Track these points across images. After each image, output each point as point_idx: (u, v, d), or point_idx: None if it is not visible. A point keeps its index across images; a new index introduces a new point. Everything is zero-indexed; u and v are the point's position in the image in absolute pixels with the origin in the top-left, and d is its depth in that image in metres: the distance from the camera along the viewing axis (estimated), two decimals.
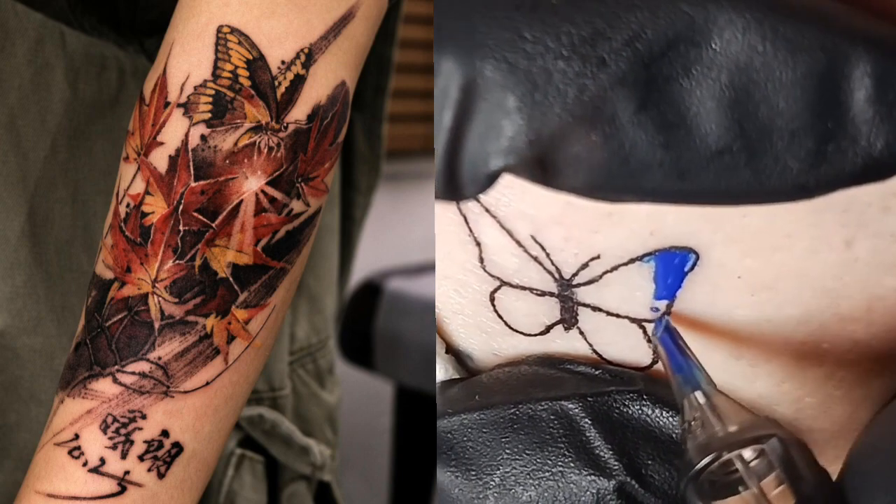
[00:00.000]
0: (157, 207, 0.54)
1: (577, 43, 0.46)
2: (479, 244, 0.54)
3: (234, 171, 0.53)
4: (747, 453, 0.47)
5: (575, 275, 0.54)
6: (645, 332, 0.55)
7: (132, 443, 0.53)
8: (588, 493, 0.54)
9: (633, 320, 0.55)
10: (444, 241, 0.55)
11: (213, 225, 0.53)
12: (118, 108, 0.66)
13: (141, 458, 0.54)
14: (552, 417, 0.54)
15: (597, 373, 0.56)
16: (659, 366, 0.56)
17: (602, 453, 0.53)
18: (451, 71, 0.47)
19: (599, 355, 0.56)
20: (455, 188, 0.49)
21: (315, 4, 0.54)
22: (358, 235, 0.91)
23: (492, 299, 0.57)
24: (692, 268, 0.52)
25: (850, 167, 0.47)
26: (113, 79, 0.66)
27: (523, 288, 0.55)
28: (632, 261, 0.52)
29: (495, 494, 0.55)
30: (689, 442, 0.48)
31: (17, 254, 0.63)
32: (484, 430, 0.55)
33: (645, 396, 0.54)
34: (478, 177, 0.48)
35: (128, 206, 0.55)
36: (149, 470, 0.54)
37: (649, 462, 0.53)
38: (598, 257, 0.53)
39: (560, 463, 0.54)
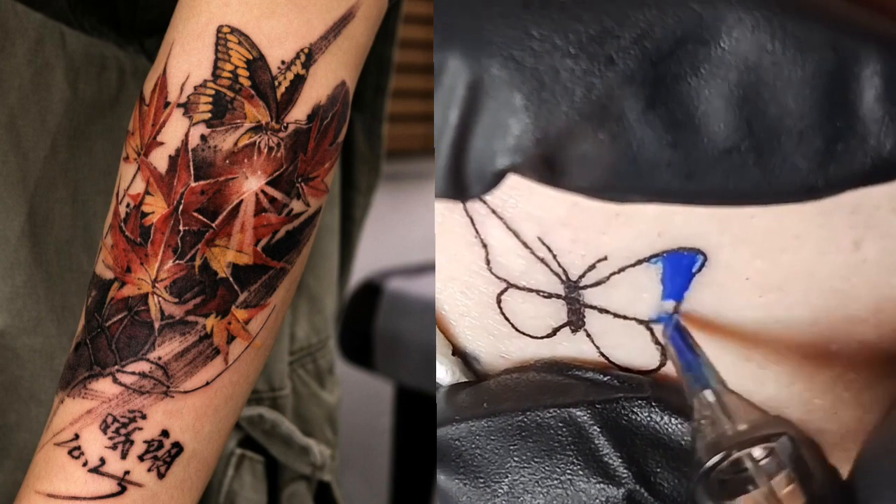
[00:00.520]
0: (157, 207, 0.53)
1: (585, 41, 0.46)
2: (485, 246, 0.54)
3: (234, 171, 0.53)
4: (757, 452, 0.47)
5: (582, 276, 0.53)
6: (652, 333, 0.54)
7: (132, 443, 0.53)
8: (597, 501, 0.53)
9: (640, 322, 0.54)
10: (451, 243, 0.55)
11: (213, 225, 0.53)
12: (118, 108, 0.66)
13: (141, 458, 0.53)
14: (560, 425, 0.54)
15: (605, 379, 0.55)
16: (667, 368, 0.55)
17: (611, 461, 0.53)
18: (458, 69, 0.46)
19: (607, 358, 0.56)
20: (460, 187, 0.48)
21: (315, 4, 0.54)
22: (358, 235, 0.91)
23: (498, 301, 0.56)
24: (700, 269, 0.52)
25: (860, 167, 0.46)
26: (113, 79, 0.66)
27: (530, 290, 0.55)
28: (639, 262, 0.52)
29: (504, 502, 0.54)
30: (698, 441, 0.47)
31: (17, 254, 0.62)
32: (492, 437, 0.55)
33: (654, 403, 0.53)
34: (484, 176, 0.47)
35: (128, 206, 0.54)
36: (149, 470, 0.54)
37: (658, 470, 0.53)
38: (605, 259, 0.52)
39: (569, 471, 0.54)
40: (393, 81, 0.87)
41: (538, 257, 0.53)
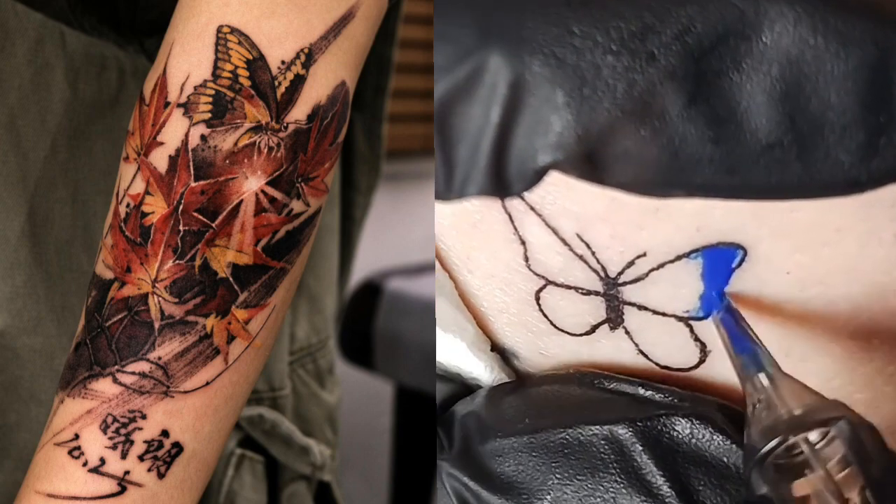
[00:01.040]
0: (156, 207, 0.53)
1: (627, 37, 0.46)
2: (524, 243, 0.54)
3: (234, 171, 0.53)
4: (813, 436, 0.46)
5: (620, 273, 0.53)
6: (692, 330, 0.54)
7: (132, 443, 0.53)
8: None
9: (679, 319, 0.54)
10: (490, 240, 0.55)
11: (213, 225, 0.53)
12: (118, 108, 0.66)
13: (141, 458, 0.53)
14: (603, 443, 0.54)
15: (646, 394, 0.55)
16: (705, 367, 0.55)
17: (654, 480, 0.53)
18: (499, 67, 0.46)
19: (645, 355, 0.56)
20: (502, 185, 0.48)
21: (315, 4, 0.54)
22: (358, 235, 0.91)
23: (537, 298, 0.56)
24: (740, 264, 0.51)
25: None
26: (113, 79, 0.66)
27: (568, 287, 0.55)
28: (678, 258, 0.52)
29: None
30: (753, 425, 0.47)
31: (17, 254, 0.62)
32: (534, 453, 0.55)
33: (695, 420, 0.53)
34: (526, 172, 0.47)
35: (128, 206, 0.54)
36: (149, 470, 0.54)
37: (700, 488, 0.53)
38: (644, 255, 0.52)
39: (612, 489, 0.54)
40: (393, 81, 0.87)
41: (577, 254, 0.53)
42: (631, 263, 0.53)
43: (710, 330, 0.54)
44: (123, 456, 0.53)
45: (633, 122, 0.46)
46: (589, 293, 0.54)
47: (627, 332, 0.55)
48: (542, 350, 0.58)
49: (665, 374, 0.56)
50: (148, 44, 0.68)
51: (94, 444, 0.53)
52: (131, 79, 0.67)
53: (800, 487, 0.47)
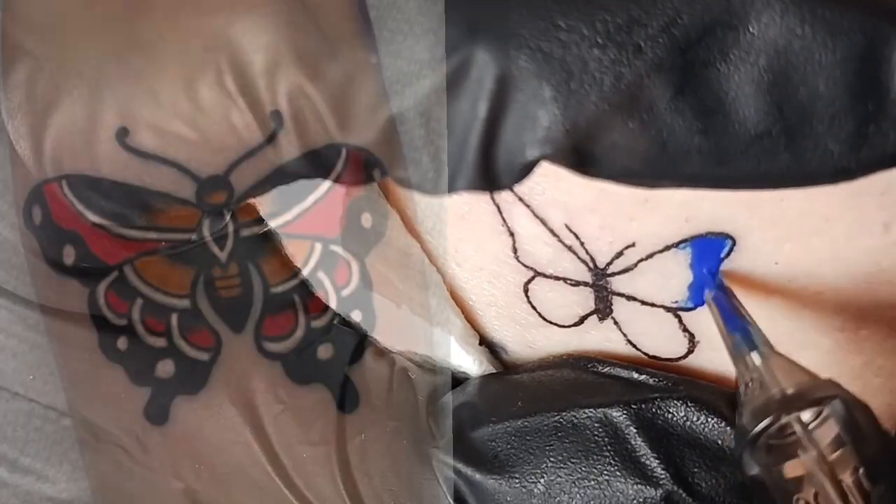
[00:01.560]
0: None
1: (613, 30, 0.45)
2: (512, 234, 0.54)
3: None
4: (806, 416, 0.46)
5: (609, 263, 0.53)
6: (680, 321, 0.54)
7: None
8: (635, 502, 0.53)
9: (668, 309, 0.54)
10: (477, 232, 0.54)
11: None
12: None
13: None
14: (597, 425, 0.54)
15: (640, 378, 0.55)
16: (694, 357, 0.55)
17: (648, 462, 0.53)
18: (485, 62, 0.46)
19: (634, 346, 0.56)
20: (490, 179, 0.48)
21: None
22: None
23: (525, 290, 0.56)
24: (728, 254, 0.51)
25: (893, 148, 0.46)
26: None
27: (557, 278, 0.55)
28: (667, 248, 0.52)
29: (540, 502, 0.54)
30: (744, 405, 0.47)
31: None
32: (528, 437, 0.54)
33: (689, 402, 0.53)
34: (514, 167, 0.47)
35: None
36: None
37: (696, 470, 0.53)
38: (633, 245, 0.52)
39: (606, 472, 0.54)
40: None
41: (565, 245, 0.53)
42: (620, 254, 0.52)
43: (698, 320, 0.54)
44: None
45: (621, 115, 0.45)
46: (578, 284, 0.54)
47: (616, 323, 0.55)
48: (531, 343, 0.58)
49: (654, 364, 0.56)
50: None
51: None
52: None
53: (792, 468, 0.47)
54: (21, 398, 0.54)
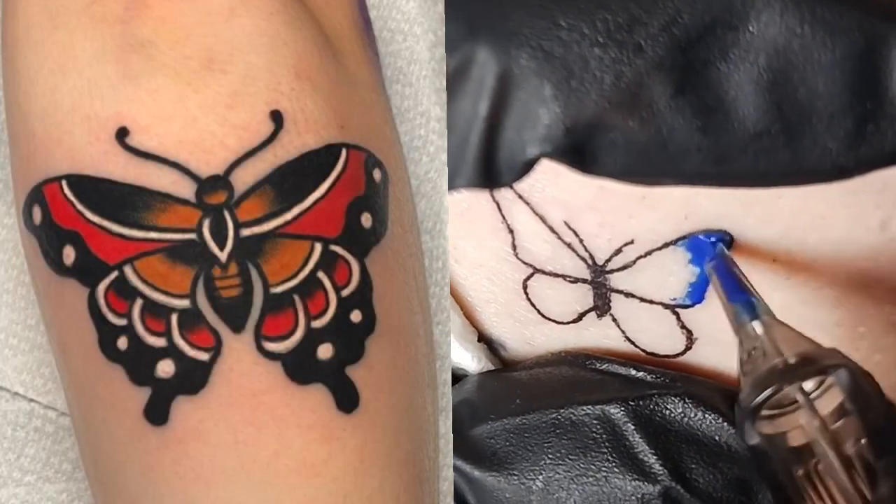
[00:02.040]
0: None
1: (613, 29, 0.45)
2: (512, 231, 0.54)
3: None
4: (808, 385, 0.46)
5: (608, 261, 0.53)
6: (678, 318, 0.54)
7: None
8: (633, 498, 0.53)
9: (666, 306, 0.54)
10: (477, 229, 0.55)
11: None
12: None
13: None
14: (595, 422, 0.54)
15: (638, 374, 0.55)
16: (691, 353, 0.56)
17: (646, 458, 0.53)
18: (487, 60, 0.46)
19: (632, 342, 0.56)
20: (491, 177, 0.48)
21: None
22: None
23: (525, 287, 0.56)
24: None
25: (890, 147, 0.46)
26: None
27: (556, 275, 0.55)
28: (666, 245, 0.52)
29: (539, 499, 0.54)
30: (746, 375, 0.46)
31: None
32: (526, 434, 0.55)
33: (687, 399, 0.53)
34: (514, 165, 0.47)
35: None
36: None
37: (693, 466, 0.53)
38: (631, 242, 0.52)
39: (604, 468, 0.54)
40: None
41: (564, 242, 0.53)
42: (618, 251, 0.53)
43: (696, 317, 0.54)
44: None
45: (621, 113, 0.46)
46: (576, 281, 0.55)
47: (614, 320, 0.56)
48: (529, 340, 0.59)
49: (652, 360, 0.56)
50: None
51: None
52: None
53: (794, 437, 0.47)
54: (21, 398, 0.54)
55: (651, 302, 0.54)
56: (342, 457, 0.45)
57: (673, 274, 0.53)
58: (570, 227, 0.52)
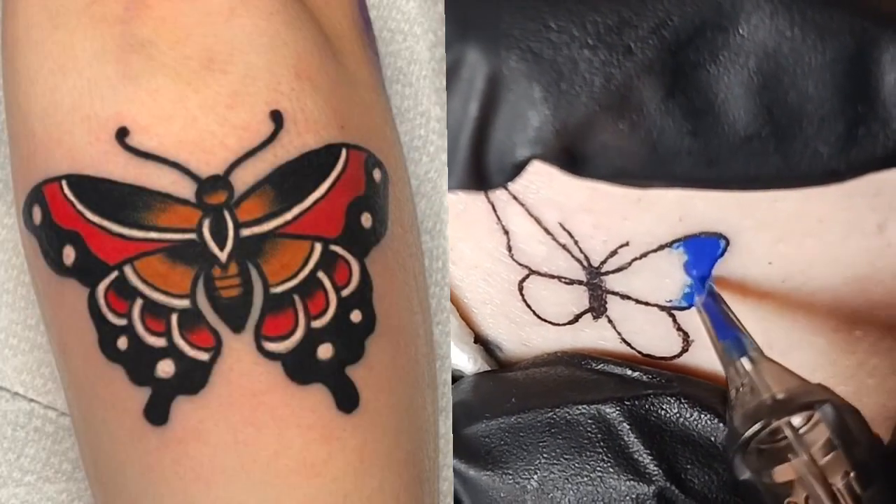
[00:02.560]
0: None
1: (603, 31, 0.46)
2: (507, 232, 0.54)
3: None
4: (796, 420, 0.46)
5: (604, 262, 0.53)
6: (675, 320, 0.54)
7: None
8: (627, 498, 0.54)
9: (662, 308, 0.54)
10: (473, 230, 0.55)
11: None
12: None
13: None
14: (590, 422, 0.54)
15: (633, 375, 0.55)
16: (688, 355, 0.56)
17: (641, 458, 0.53)
18: (476, 62, 0.46)
19: (628, 344, 0.56)
20: (481, 178, 0.48)
21: None
22: None
23: (520, 288, 0.56)
24: (722, 254, 0.52)
25: (882, 150, 0.46)
26: None
27: (552, 276, 0.55)
28: (661, 247, 0.52)
29: (533, 498, 0.55)
30: (735, 410, 0.47)
31: None
32: (521, 433, 0.55)
33: (682, 399, 0.53)
34: (504, 167, 0.47)
35: None
36: None
37: (688, 466, 0.53)
38: (626, 244, 0.52)
39: (599, 468, 0.54)
40: None
41: (560, 243, 0.53)
42: (614, 253, 0.53)
43: (693, 319, 0.54)
44: None
45: (611, 116, 0.46)
46: (572, 282, 0.55)
47: (610, 321, 0.56)
48: (525, 341, 0.59)
49: (648, 362, 0.57)
50: None
51: None
52: None
53: (783, 472, 0.47)
54: (21, 398, 0.54)
55: (647, 304, 0.54)
56: (342, 457, 0.45)
57: (668, 276, 0.53)
58: (564, 229, 0.52)
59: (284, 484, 0.45)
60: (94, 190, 0.45)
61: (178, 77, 0.45)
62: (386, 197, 0.48)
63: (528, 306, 0.57)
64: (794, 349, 0.53)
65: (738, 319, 0.50)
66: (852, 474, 0.46)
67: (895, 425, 0.50)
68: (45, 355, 0.54)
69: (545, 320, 0.57)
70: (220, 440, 0.45)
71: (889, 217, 0.50)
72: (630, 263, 0.53)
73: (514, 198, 0.52)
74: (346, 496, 0.45)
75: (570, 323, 0.57)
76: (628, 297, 0.54)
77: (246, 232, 0.45)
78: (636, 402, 0.54)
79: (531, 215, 0.53)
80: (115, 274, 0.46)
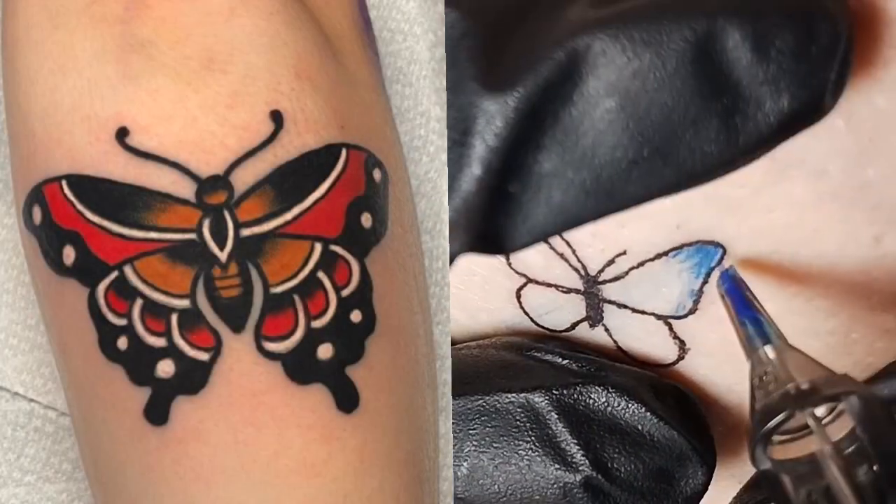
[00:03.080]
0: None
1: None
2: None
3: None
4: (820, 411, 0.46)
5: (601, 271, 0.54)
6: (671, 328, 0.55)
7: None
8: (555, 486, 0.54)
9: (658, 317, 0.54)
10: None
11: None
12: None
13: None
14: (519, 410, 0.54)
15: (564, 363, 0.56)
16: (684, 363, 0.56)
17: (568, 447, 0.54)
18: None
19: (625, 352, 0.56)
20: None
21: None
22: None
23: (518, 296, 0.56)
24: (719, 262, 0.52)
25: (767, 129, 0.44)
26: None
27: (549, 285, 0.55)
28: (658, 256, 0.52)
29: (463, 485, 0.55)
30: (758, 400, 0.46)
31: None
32: (452, 420, 0.55)
33: (611, 388, 0.54)
34: None
35: None
36: None
37: (615, 455, 0.54)
38: (624, 253, 0.53)
39: (527, 456, 0.54)
40: None
41: (557, 252, 0.53)
42: (611, 262, 0.53)
43: (689, 328, 0.55)
44: None
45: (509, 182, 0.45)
46: (569, 291, 0.55)
47: (607, 330, 0.56)
48: None
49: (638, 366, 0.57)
50: None
51: None
52: None
53: (806, 463, 0.47)
54: (21, 398, 0.54)
55: (643, 312, 0.55)
56: (342, 457, 0.45)
57: (665, 285, 0.53)
58: (562, 238, 0.53)
59: (284, 484, 0.45)
60: (94, 190, 0.45)
61: (178, 77, 0.45)
62: (386, 197, 0.48)
63: (526, 314, 0.57)
64: None
65: (761, 306, 0.50)
66: (875, 468, 0.46)
67: None
68: (45, 355, 0.54)
69: (542, 328, 0.57)
70: (220, 440, 0.44)
71: (885, 230, 0.50)
72: (627, 272, 0.53)
73: None
74: (346, 496, 0.45)
75: (566, 331, 0.57)
76: (625, 306, 0.55)
77: (246, 232, 0.45)
78: (564, 392, 0.54)
79: None
80: (115, 274, 0.46)
